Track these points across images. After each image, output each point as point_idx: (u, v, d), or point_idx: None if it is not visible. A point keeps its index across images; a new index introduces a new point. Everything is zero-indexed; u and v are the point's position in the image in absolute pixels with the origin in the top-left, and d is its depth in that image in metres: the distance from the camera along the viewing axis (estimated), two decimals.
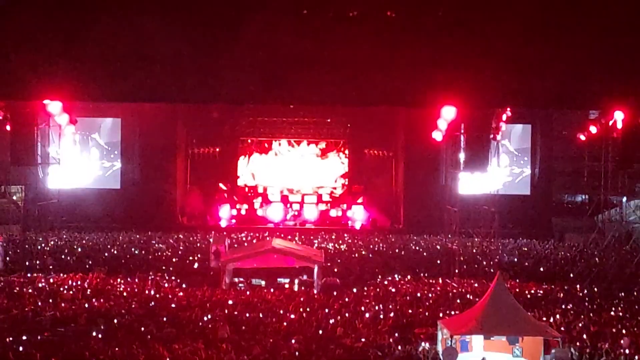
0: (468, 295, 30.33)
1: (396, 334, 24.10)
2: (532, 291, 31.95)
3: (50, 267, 34.45)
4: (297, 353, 22.08)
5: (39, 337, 23.46)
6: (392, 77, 27.47)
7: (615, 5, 24.96)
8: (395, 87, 28.02)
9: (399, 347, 22.70)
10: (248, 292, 30.94)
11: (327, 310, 27.61)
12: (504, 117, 39.17)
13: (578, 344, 23.48)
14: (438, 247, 40.92)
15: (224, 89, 28.56)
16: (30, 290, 30.31)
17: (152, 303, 28.63)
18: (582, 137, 44.24)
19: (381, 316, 26.82)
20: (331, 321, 25.86)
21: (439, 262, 37.34)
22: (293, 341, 23.23)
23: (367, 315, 27.05)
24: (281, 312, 27.18)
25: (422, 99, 30.27)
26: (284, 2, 25.51)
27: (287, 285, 32.68)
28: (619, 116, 38.73)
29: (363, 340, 23.42)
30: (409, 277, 34.59)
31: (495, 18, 25.53)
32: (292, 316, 26.51)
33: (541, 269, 36.93)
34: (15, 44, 26.76)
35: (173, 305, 28.25)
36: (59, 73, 27.38)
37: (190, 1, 25.48)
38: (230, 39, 26.52)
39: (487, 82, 27.31)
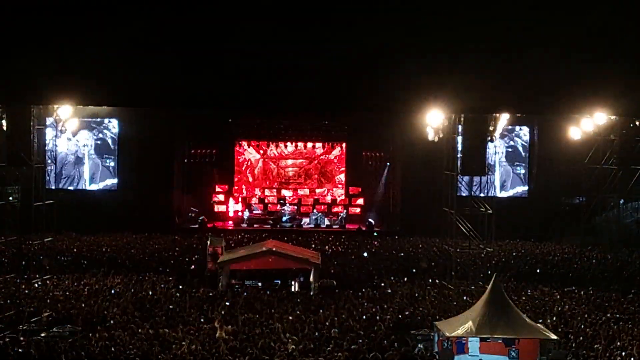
0: (465, 297, 30.31)
1: (393, 336, 24.07)
2: (529, 293, 31.94)
3: (47, 267, 34.34)
4: (293, 354, 22.07)
5: (34, 338, 23.44)
6: (383, 85, 27.47)
7: (602, 10, 25.00)
8: (386, 94, 28.02)
9: (396, 348, 22.68)
10: (245, 294, 30.90)
11: (322, 312, 27.60)
12: (501, 119, 39.07)
13: (575, 345, 23.50)
14: (435, 249, 40.85)
15: (214, 97, 28.60)
16: (26, 291, 30.26)
17: (149, 304, 28.60)
18: (580, 139, 44.34)
19: (378, 318, 26.79)
20: (327, 323, 25.83)
21: (432, 264, 37.33)
22: (290, 342, 23.21)
23: (363, 317, 27.04)
24: (278, 314, 27.15)
25: (412, 106, 30.40)
26: (274, 10, 25.43)
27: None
28: (616, 119, 38.78)
29: (360, 341, 23.39)
30: (405, 279, 34.59)
31: (483, 25, 25.54)
32: (289, 317, 26.49)
33: (538, 271, 36.89)
34: (14, 49, 26.71)
35: (170, 307, 28.22)
36: (54, 78, 27.35)
37: (178, 12, 25.41)
38: (219, 46, 26.53)
39: (476, 89, 27.30)
